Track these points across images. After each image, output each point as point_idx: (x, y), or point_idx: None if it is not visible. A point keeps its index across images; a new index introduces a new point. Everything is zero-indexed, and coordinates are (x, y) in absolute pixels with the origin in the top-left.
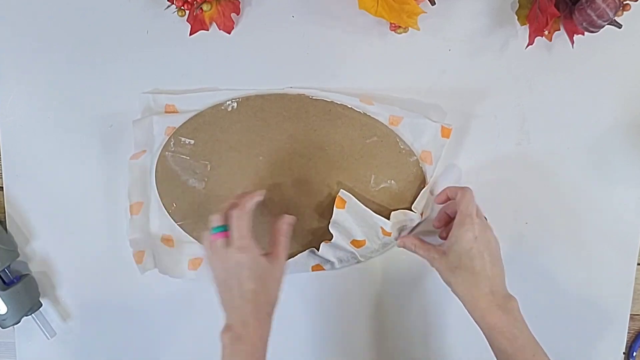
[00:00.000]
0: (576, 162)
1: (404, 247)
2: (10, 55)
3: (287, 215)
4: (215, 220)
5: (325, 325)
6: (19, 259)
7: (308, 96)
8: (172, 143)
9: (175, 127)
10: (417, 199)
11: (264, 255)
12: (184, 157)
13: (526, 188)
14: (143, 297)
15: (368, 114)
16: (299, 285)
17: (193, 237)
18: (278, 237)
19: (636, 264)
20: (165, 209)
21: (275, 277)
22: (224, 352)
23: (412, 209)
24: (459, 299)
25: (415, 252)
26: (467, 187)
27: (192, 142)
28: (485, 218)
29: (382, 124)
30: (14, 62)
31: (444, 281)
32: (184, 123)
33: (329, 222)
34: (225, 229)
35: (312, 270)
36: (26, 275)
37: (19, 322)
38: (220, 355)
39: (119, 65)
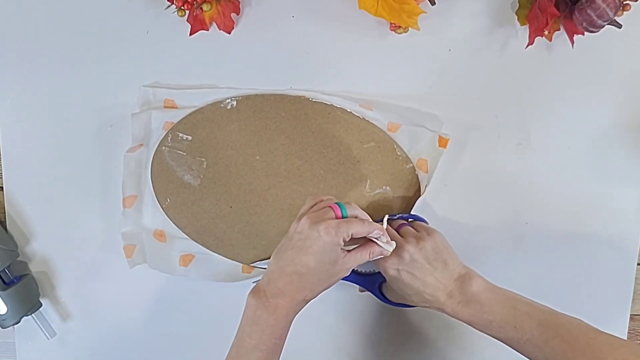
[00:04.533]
0: (576, 162)
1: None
2: (10, 56)
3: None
4: (348, 204)
5: (321, 326)
6: (19, 259)
7: (308, 98)
8: (169, 138)
9: (173, 122)
10: (412, 210)
11: (343, 250)
12: (181, 152)
13: (526, 188)
14: (143, 297)
15: (367, 119)
16: None
17: (185, 234)
18: (366, 247)
19: (636, 264)
20: (159, 203)
21: (333, 274)
22: (246, 312)
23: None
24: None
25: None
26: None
27: (190, 138)
28: (412, 220)
29: (380, 129)
30: (14, 63)
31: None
32: (183, 119)
33: None
34: (345, 214)
35: None
36: (26, 275)
37: (19, 322)
38: (242, 315)
39: (119, 66)
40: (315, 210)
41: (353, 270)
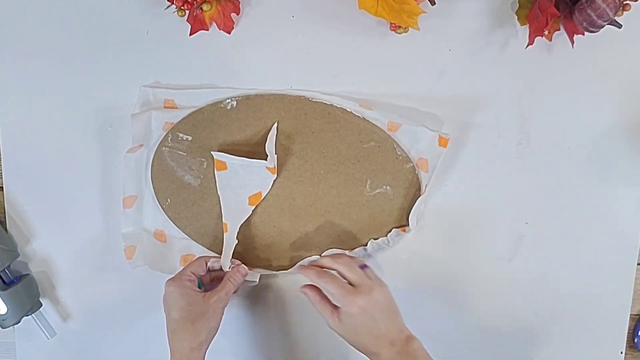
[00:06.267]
0: (576, 162)
1: (303, 292)
2: (10, 56)
3: (243, 267)
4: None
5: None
6: (19, 259)
7: (308, 98)
8: (169, 138)
9: (173, 123)
10: (413, 209)
11: (203, 292)
12: (181, 153)
13: (526, 188)
14: (143, 297)
15: (367, 118)
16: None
17: (186, 234)
18: (226, 281)
19: (636, 264)
20: (159, 204)
21: (205, 313)
22: None
23: (409, 219)
24: (362, 353)
25: (312, 303)
26: (325, 272)
27: (190, 138)
28: (365, 267)
29: (380, 129)
30: (15, 63)
31: (343, 339)
32: (183, 119)
33: (322, 224)
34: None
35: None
36: (26, 275)
37: (19, 322)
38: None
39: (119, 66)
40: None
41: None
